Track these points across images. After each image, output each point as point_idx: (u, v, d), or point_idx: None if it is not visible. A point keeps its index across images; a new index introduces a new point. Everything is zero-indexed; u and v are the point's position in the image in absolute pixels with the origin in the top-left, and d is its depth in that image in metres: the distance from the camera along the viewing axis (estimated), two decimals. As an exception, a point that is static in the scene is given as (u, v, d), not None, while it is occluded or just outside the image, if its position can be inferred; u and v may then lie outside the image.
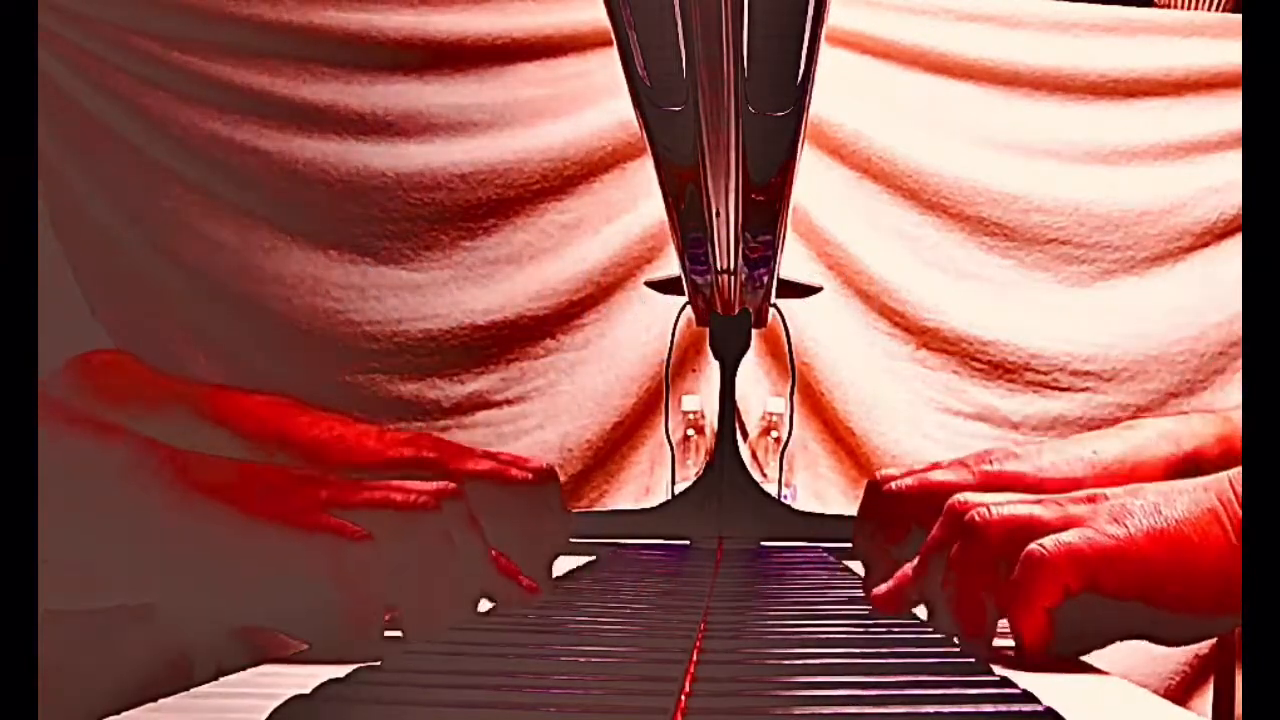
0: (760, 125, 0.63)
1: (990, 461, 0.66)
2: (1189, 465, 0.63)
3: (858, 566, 0.88)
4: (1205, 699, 1.54)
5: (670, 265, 1.34)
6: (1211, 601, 0.47)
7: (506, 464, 0.69)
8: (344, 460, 0.67)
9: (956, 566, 0.51)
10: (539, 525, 0.69)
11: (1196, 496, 0.48)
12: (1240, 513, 0.46)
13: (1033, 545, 0.48)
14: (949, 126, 1.71)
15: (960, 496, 0.53)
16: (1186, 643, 0.51)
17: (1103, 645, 0.52)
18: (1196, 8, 1.78)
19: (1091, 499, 0.50)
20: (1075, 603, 0.48)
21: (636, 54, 0.58)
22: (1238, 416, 0.65)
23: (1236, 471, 0.48)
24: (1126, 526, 0.48)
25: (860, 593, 0.68)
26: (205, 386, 0.74)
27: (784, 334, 1.53)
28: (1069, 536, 0.48)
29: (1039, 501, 0.51)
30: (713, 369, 1.20)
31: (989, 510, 0.51)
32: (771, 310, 1.26)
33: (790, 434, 1.54)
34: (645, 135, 0.67)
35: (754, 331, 1.17)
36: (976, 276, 1.70)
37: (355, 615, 0.47)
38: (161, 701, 0.36)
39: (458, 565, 0.52)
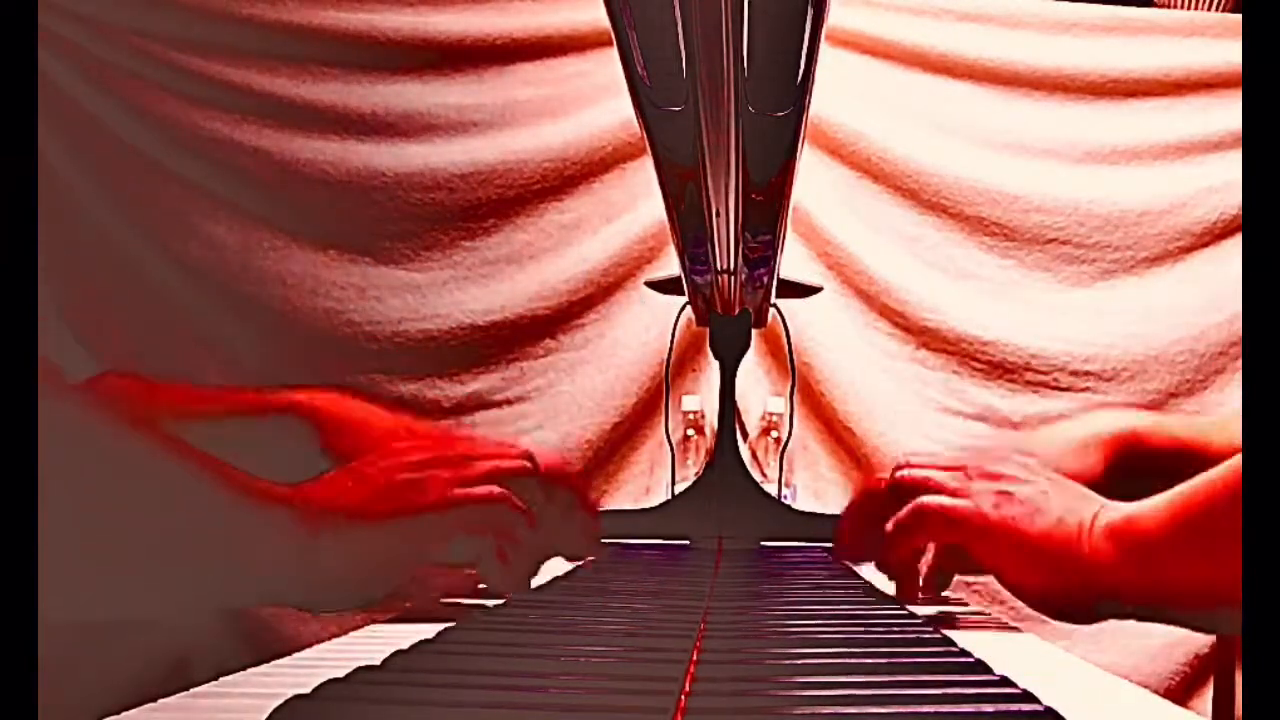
0: (760, 125, 0.63)
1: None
2: (1127, 444, 0.72)
3: (858, 566, 0.88)
4: (1205, 699, 1.54)
5: (670, 265, 1.34)
6: (1040, 593, 0.57)
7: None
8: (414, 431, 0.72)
9: (883, 511, 0.65)
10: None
11: (1065, 511, 0.57)
12: (1089, 551, 0.55)
13: (921, 498, 0.61)
14: (949, 126, 1.71)
15: (904, 457, 0.68)
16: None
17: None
18: (1196, 8, 1.78)
19: (996, 477, 0.61)
20: (948, 552, 0.63)
21: (636, 54, 0.58)
22: (1183, 417, 0.74)
23: (1107, 516, 0.56)
24: (1001, 512, 0.59)
25: (860, 593, 0.68)
26: (252, 391, 0.75)
27: (784, 334, 1.53)
28: (951, 501, 0.60)
29: (953, 470, 0.63)
30: (713, 369, 1.20)
31: (909, 470, 0.65)
32: (771, 310, 1.26)
33: (790, 434, 1.54)
34: (645, 135, 0.67)
35: (754, 331, 1.17)
36: (976, 276, 1.69)
37: (516, 561, 0.61)
38: (161, 701, 0.36)
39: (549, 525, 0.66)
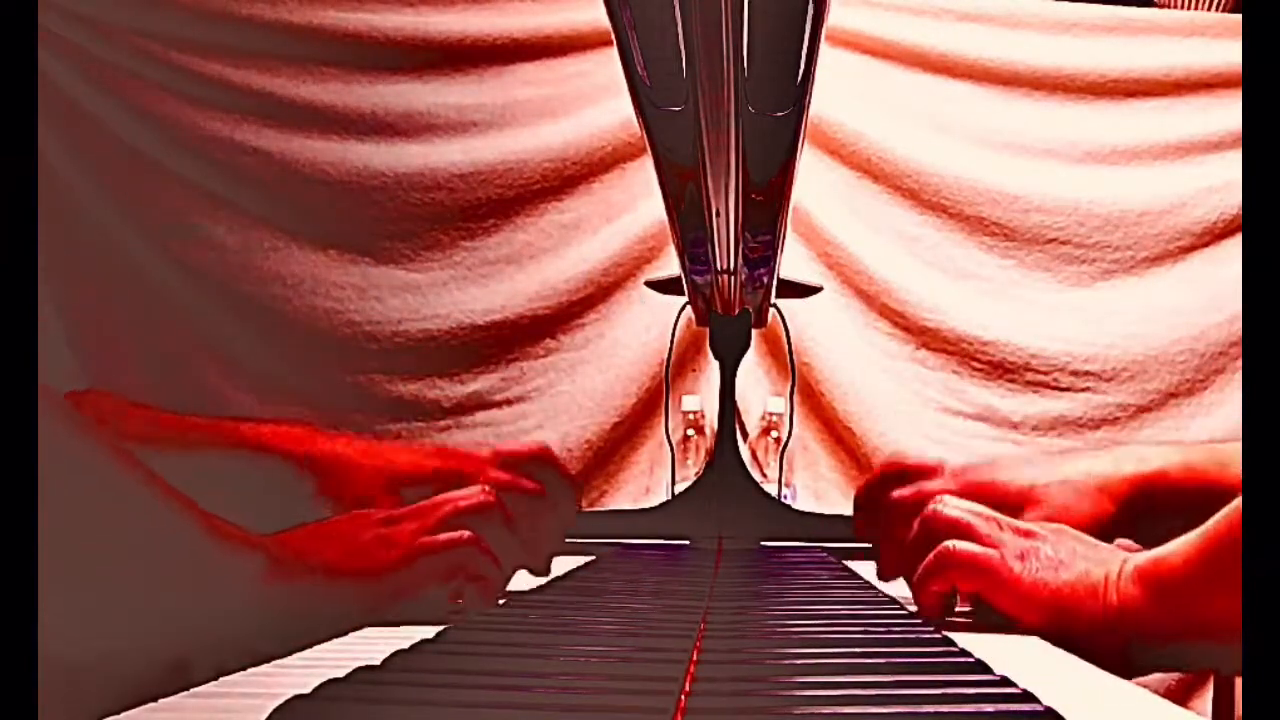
0: (760, 125, 0.63)
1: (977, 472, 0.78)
2: (1150, 484, 0.73)
3: (858, 566, 0.88)
4: (1205, 699, 1.54)
5: (670, 265, 1.34)
6: (1074, 645, 0.55)
7: (518, 473, 0.75)
8: (386, 468, 0.73)
9: (911, 544, 0.64)
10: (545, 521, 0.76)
11: (1090, 566, 0.58)
12: (1117, 598, 0.56)
13: (950, 542, 0.61)
14: (949, 126, 1.71)
15: (940, 497, 0.66)
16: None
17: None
18: (1196, 8, 1.78)
19: (1027, 534, 0.61)
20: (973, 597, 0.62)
21: (636, 54, 0.58)
22: (1208, 449, 0.76)
23: (1135, 560, 0.56)
24: (1026, 567, 0.59)
25: (860, 593, 0.68)
26: (223, 421, 0.76)
27: (784, 334, 1.53)
28: (978, 548, 0.60)
29: (987, 519, 0.62)
30: (713, 369, 1.20)
31: (942, 508, 0.63)
32: (771, 310, 1.26)
33: (790, 434, 1.54)
34: (645, 135, 0.67)
35: (754, 331, 1.17)
36: (976, 276, 1.69)
37: (490, 591, 0.60)
38: (161, 701, 0.36)
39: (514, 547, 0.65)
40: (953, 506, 0.64)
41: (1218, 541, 0.51)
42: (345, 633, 0.53)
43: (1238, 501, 0.49)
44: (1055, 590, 0.58)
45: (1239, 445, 0.73)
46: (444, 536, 0.59)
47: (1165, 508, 0.70)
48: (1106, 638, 0.56)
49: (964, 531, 0.62)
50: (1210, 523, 0.51)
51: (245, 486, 0.63)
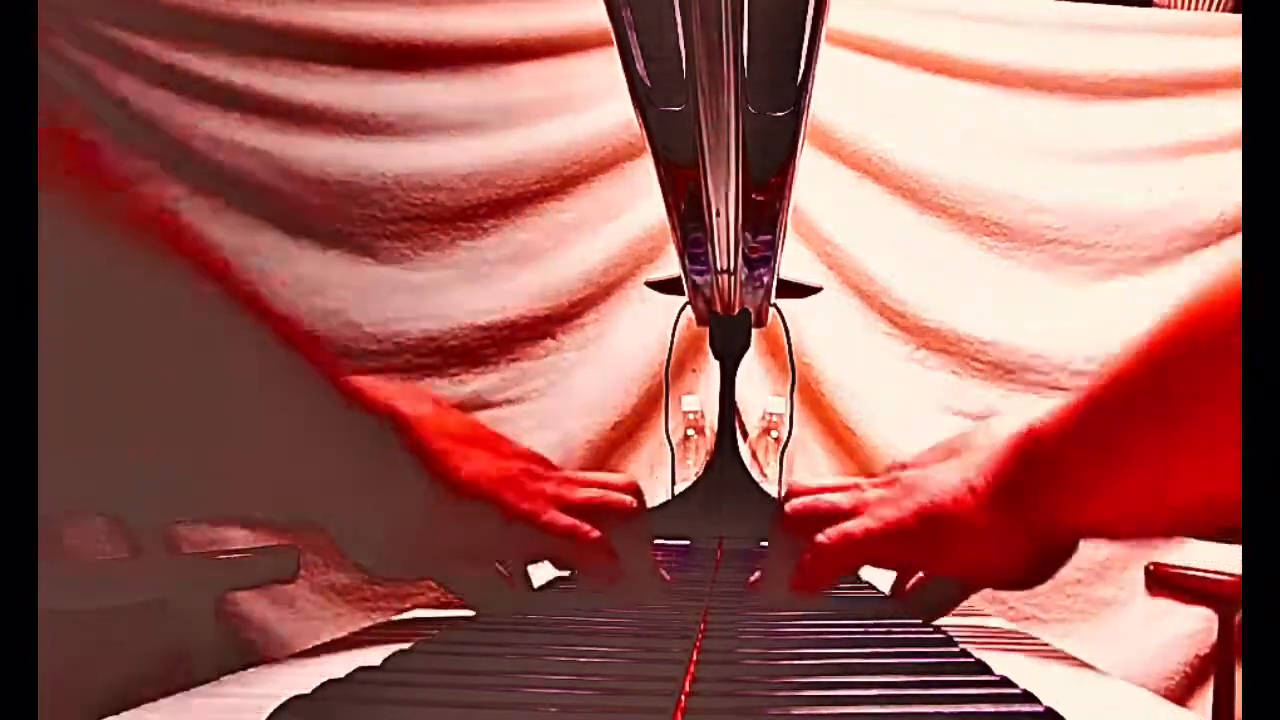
0: (760, 125, 0.63)
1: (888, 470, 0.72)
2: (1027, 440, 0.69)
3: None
4: (1205, 699, 1.54)
5: (670, 265, 1.34)
6: (983, 559, 0.54)
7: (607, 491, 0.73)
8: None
9: (772, 546, 0.61)
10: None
11: (961, 474, 0.55)
12: (993, 478, 0.54)
13: (819, 535, 0.57)
14: (949, 126, 1.71)
15: (785, 492, 0.63)
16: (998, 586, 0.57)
17: (943, 611, 0.62)
18: (1196, 8, 1.78)
19: (887, 483, 0.58)
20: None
21: (636, 54, 0.58)
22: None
23: (991, 447, 0.54)
24: (899, 507, 0.56)
25: (860, 593, 0.68)
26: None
27: (784, 334, 1.53)
28: (848, 525, 0.57)
29: (845, 489, 0.60)
30: (713, 369, 1.20)
31: (793, 501, 0.60)
32: (771, 310, 1.26)
33: (790, 434, 1.54)
34: (645, 135, 0.67)
35: (754, 331, 1.17)
36: (976, 276, 1.70)
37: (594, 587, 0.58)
38: (161, 701, 0.36)
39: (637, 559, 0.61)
40: (800, 498, 0.60)
41: (1091, 401, 0.49)
42: (343, 635, 0.53)
43: (1112, 365, 0.48)
44: (934, 506, 0.54)
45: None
46: (572, 523, 0.57)
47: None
48: (1000, 524, 0.53)
49: (827, 513, 0.58)
50: (1085, 387, 0.49)
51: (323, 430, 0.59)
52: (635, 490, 0.63)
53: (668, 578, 0.65)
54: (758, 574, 0.63)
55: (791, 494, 0.64)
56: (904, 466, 0.61)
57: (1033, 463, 0.52)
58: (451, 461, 0.54)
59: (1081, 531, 0.53)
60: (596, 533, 0.57)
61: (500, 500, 0.55)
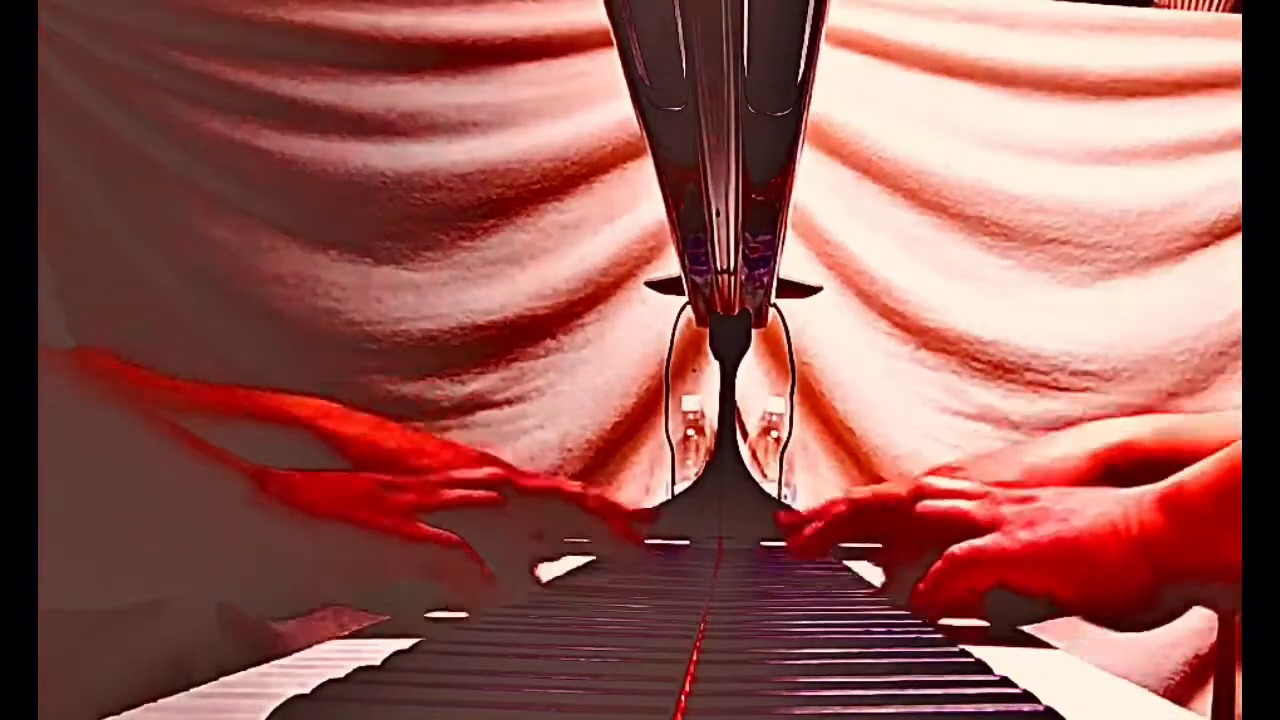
0: (760, 125, 0.63)
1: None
2: (1120, 456, 0.70)
3: (858, 566, 0.88)
4: (1205, 699, 1.54)
5: (670, 265, 1.34)
6: (1108, 599, 0.54)
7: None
8: (426, 468, 0.70)
9: (900, 543, 0.61)
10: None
11: (1104, 508, 0.54)
12: (1139, 528, 0.52)
13: (952, 547, 0.56)
14: (949, 126, 1.71)
15: (921, 487, 0.63)
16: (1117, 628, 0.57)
17: (1032, 622, 0.60)
18: (1196, 8, 1.78)
19: (1024, 499, 0.57)
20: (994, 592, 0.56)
21: (636, 54, 0.58)
22: (1178, 418, 0.74)
23: (1154, 488, 0.53)
24: (1036, 532, 0.55)
25: (860, 593, 0.68)
26: (235, 388, 0.74)
27: (784, 334, 1.53)
28: (982, 541, 0.56)
29: (979, 495, 0.59)
30: (713, 369, 1.20)
31: (931, 502, 0.60)
32: (771, 310, 1.26)
33: (790, 434, 1.54)
34: (645, 135, 0.67)
35: (754, 331, 1.17)
36: (976, 276, 1.69)
37: (460, 599, 0.56)
38: (161, 701, 0.36)
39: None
40: (939, 498, 0.60)
41: (1236, 464, 0.49)
42: (344, 636, 0.53)
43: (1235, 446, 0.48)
44: (1074, 540, 0.54)
45: (1212, 415, 0.73)
46: (430, 531, 0.55)
47: (1139, 478, 0.68)
48: (1137, 573, 0.52)
49: (959, 521, 0.58)
50: (1228, 449, 0.49)
51: (260, 452, 0.60)
52: (500, 480, 0.63)
53: (638, 539, 0.67)
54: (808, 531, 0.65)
55: (921, 493, 0.63)
56: (1040, 482, 0.61)
57: (1179, 518, 0.52)
58: (294, 496, 0.53)
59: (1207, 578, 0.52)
60: (454, 538, 0.56)
61: (351, 519, 0.54)
